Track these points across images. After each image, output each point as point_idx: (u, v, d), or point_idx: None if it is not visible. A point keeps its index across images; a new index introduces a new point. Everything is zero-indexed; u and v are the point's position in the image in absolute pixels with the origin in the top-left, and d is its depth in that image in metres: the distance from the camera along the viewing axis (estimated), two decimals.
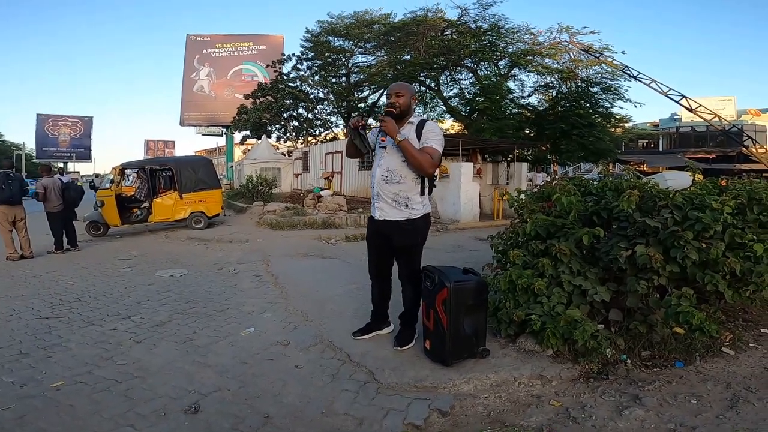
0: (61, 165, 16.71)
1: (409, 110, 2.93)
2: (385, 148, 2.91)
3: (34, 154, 48.28)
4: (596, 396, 2.46)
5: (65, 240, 7.50)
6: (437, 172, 3.00)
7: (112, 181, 9.36)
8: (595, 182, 3.73)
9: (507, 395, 2.56)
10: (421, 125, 2.88)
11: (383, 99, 23.48)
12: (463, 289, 2.67)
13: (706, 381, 2.54)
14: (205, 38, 36.49)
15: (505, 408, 2.45)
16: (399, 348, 3.05)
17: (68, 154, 47.92)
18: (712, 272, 2.56)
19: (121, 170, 9.78)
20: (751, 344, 2.98)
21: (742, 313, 3.43)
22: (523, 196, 3.79)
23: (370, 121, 24.71)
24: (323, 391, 2.63)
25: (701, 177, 3.88)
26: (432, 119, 18.65)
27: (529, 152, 16.26)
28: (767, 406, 2.25)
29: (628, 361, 2.76)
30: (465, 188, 10.49)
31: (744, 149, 20.27)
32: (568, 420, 2.26)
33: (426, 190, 2.94)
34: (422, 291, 2.94)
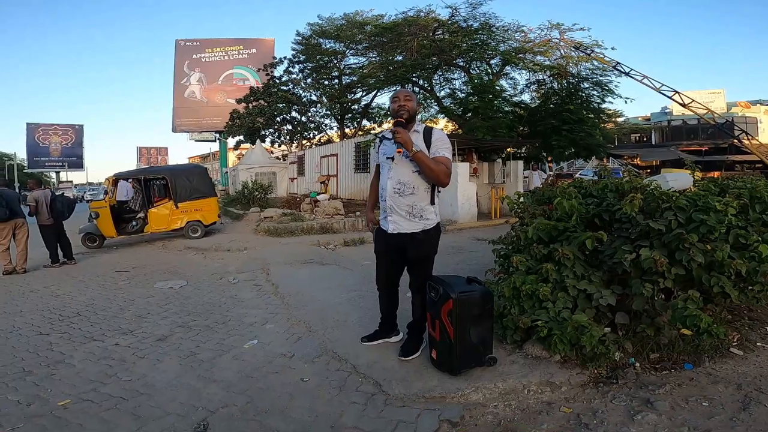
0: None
1: (414, 117, 2.87)
2: (392, 159, 2.82)
3: (26, 164, 47.74)
4: (607, 401, 2.45)
5: (60, 253, 7.44)
6: None
7: (106, 192, 9.27)
8: (591, 177, 3.73)
9: (517, 403, 2.54)
10: (428, 133, 2.82)
11: (376, 101, 23.51)
12: (469, 300, 2.66)
13: (717, 383, 2.53)
14: (195, 43, 36.30)
15: (515, 416, 2.43)
16: (404, 358, 3.02)
17: (60, 164, 47.45)
18: (718, 274, 2.57)
19: (115, 181, 9.70)
20: (758, 344, 2.98)
21: (747, 311, 3.43)
22: (522, 199, 3.78)
23: (364, 122, 24.65)
24: (331, 405, 2.61)
25: (700, 174, 3.89)
26: (425, 120, 18.56)
27: (523, 150, 16.25)
28: None
29: (637, 364, 2.75)
30: (462, 188, 10.46)
31: (737, 142, 20.42)
32: (579, 426, 2.25)
33: (436, 199, 2.92)
34: (427, 302, 2.91)
